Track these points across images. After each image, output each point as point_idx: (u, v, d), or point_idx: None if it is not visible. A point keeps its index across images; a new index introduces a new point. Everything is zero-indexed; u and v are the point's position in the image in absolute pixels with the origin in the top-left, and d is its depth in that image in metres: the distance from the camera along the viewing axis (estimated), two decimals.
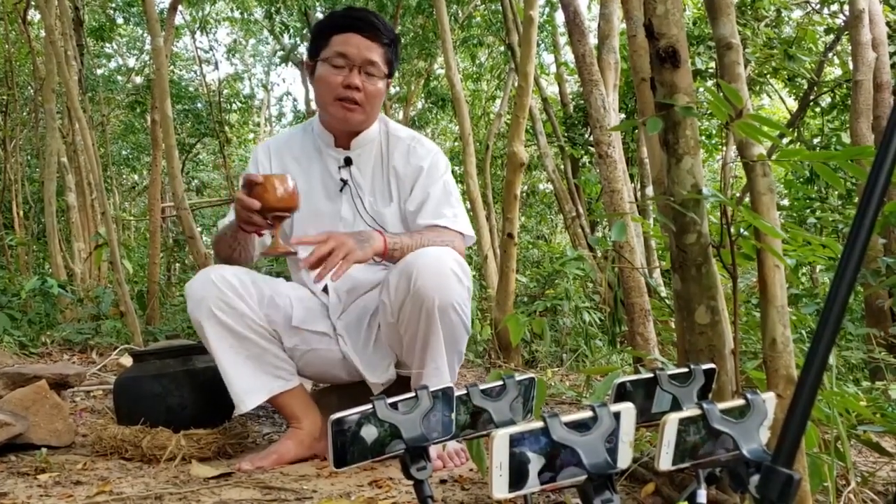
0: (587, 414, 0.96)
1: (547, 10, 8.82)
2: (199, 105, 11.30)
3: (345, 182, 2.13)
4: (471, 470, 1.86)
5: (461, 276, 1.88)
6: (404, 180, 2.11)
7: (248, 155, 14.98)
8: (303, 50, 11.31)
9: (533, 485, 0.96)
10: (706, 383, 1.28)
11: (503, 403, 1.26)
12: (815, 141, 9.09)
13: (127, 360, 2.84)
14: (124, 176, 14.01)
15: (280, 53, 12.35)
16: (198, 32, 10.30)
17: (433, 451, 1.87)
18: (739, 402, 0.99)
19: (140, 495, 1.63)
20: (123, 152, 13.31)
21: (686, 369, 1.27)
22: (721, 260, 1.46)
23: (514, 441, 0.93)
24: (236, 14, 10.75)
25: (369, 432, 1.13)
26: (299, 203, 1.87)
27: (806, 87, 8.21)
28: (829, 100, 8.63)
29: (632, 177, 6.89)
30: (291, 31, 10.31)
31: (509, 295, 4.02)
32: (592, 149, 8.63)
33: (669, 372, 1.26)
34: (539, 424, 0.94)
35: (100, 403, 2.75)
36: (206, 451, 2.05)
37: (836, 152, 1.30)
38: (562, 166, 6.59)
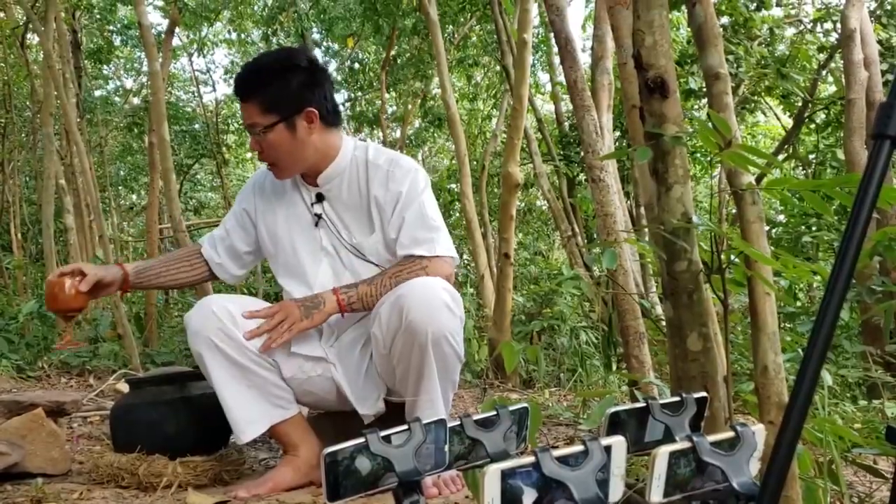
0: (578, 448, 0.97)
1: (541, 30, 8.88)
2: (196, 126, 11.35)
3: (319, 216, 2.13)
4: (466, 497, 1.86)
5: (452, 307, 1.88)
6: (385, 207, 2.07)
7: (246, 175, 15.04)
8: None
9: None
10: (698, 411, 1.29)
11: (497, 434, 1.26)
12: (811, 157, 9.14)
13: (124, 387, 2.84)
14: (122, 196, 14.03)
15: None
16: (195, 54, 10.35)
17: (429, 478, 1.87)
18: (729, 434, 1.00)
19: None
20: (121, 173, 13.35)
21: (678, 398, 1.28)
22: (712, 287, 1.47)
23: (506, 476, 0.94)
24: (233, 36, 10.82)
25: (362, 465, 1.13)
26: (86, 303, 2.04)
27: (800, 104, 8.26)
28: (823, 117, 8.68)
29: (627, 195, 6.92)
30: None
31: (506, 314, 4.03)
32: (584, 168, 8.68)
33: (662, 401, 1.27)
34: (530, 459, 0.95)
35: (97, 430, 2.75)
36: (202, 479, 2.05)
37: (824, 181, 1.32)
38: (557, 185, 6.62)
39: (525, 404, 1.33)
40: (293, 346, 2.04)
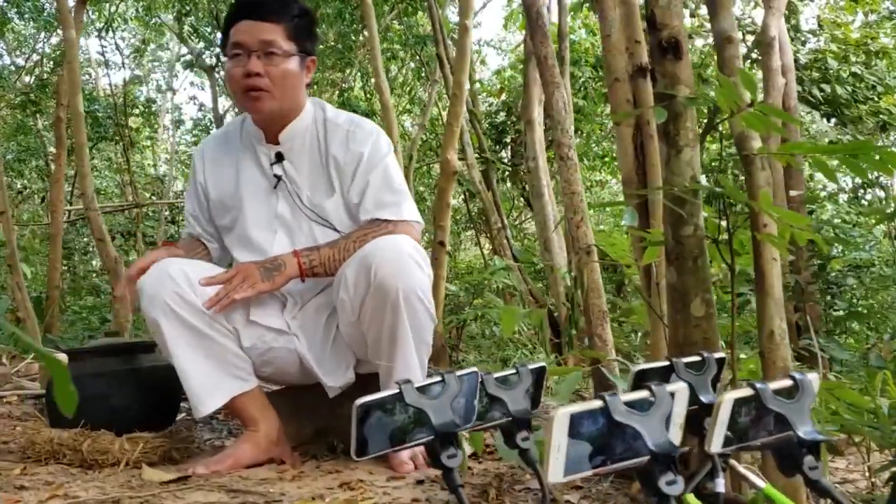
0: (644, 394, 0.93)
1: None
2: (96, 107, 10.78)
3: (279, 178, 2.02)
4: None
5: (421, 263, 1.82)
6: (345, 169, 1.99)
7: (146, 161, 14.43)
8: (209, 55, 11.00)
9: (585, 468, 0.92)
10: (718, 372, 1.27)
11: (518, 392, 1.21)
12: (714, 164, 9.48)
13: None
14: (12, 180, 13.21)
15: (186, 58, 11.97)
16: (103, 32, 9.86)
17: (405, 452, 1.80)
18: (787, 382, 0.98)
19: (97, 499, 1.50)
20: (8, 156, 12.54)
21: (699, 357, 1.26)
22: (720, 252, 1.46)
23: (574, 421, 0.89)
24: (143, 13, 10.36)
25: (392, 419, 1.06)
26: None
27: (707, 112, 8.56)
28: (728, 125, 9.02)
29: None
30: (200, 35, 10.00)
31: (439, 303, 3.97)
32: (503, 164, 8.74)
33: (685, 360, 1.24)
34: (598, 404, 0.90)
35: (17, 409, 2.53)
36: (151, 456, 1.91)
37: (837, 146, 1.33)
38: (480, 180, 6.62)
39: (543, 363, 1.29)
40: (252, 314, 1.93)
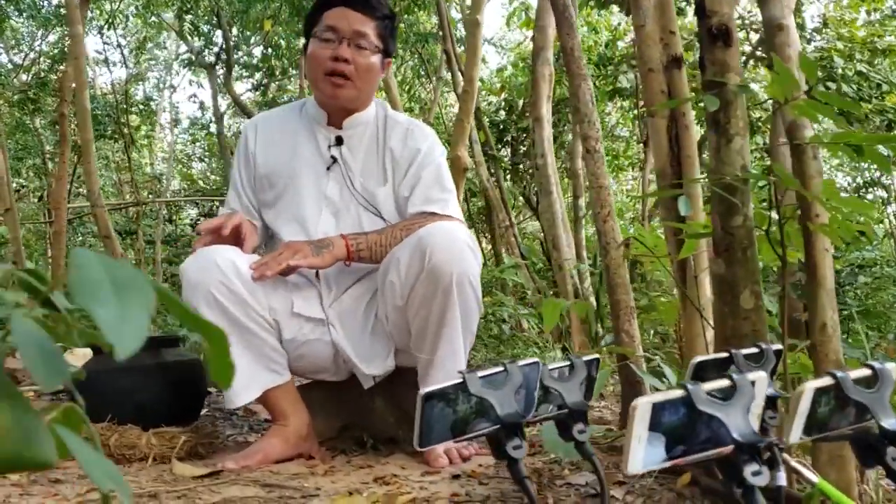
0: (724, 382, 0.90)
1: (461, 27, 8.83)
2: (94, 105, 10.73)
3: (334, 160, 2.04)
4: (480, 465, 1.78)
5: (474, 250, 1.82)
6: (400, 162, 2.03)
7: (143, 160, 14.40)
8: (209, 53, 10.95)
9: (663, 459, 0.90)
10: (776, 364, 1.25)
11: (573, 384, 1.19)
12: None
13: (72, 356, 2.61)
14: (10, 178, 13.14)
15: (185, 56, 11.92)
16: (104, 29, 9.81)
17: (440, 447, 1.77)
18: (866, 371, 0.96)
19: (135, 493, 1.47)
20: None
21: (758, 349, 1.24)
22: (770, 243, 1.44)
23: (655, 411, 0.86)
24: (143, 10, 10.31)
25: (455, 410, 1.03)
26: None
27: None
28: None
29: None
30: (199, 32, 9.96)
31: None
32: (505, 163, 8.72)
33: (743, 352, 1.22)
34: (679, 393, 0.88)
35: (35, 405, 2.50)
36: (179, 451, 1.88)
37: (893, 135, 1.31)
38: (488, 177, 6.59)
39: (596, 355, 1.26)
40: (296, 306, 1.92)
